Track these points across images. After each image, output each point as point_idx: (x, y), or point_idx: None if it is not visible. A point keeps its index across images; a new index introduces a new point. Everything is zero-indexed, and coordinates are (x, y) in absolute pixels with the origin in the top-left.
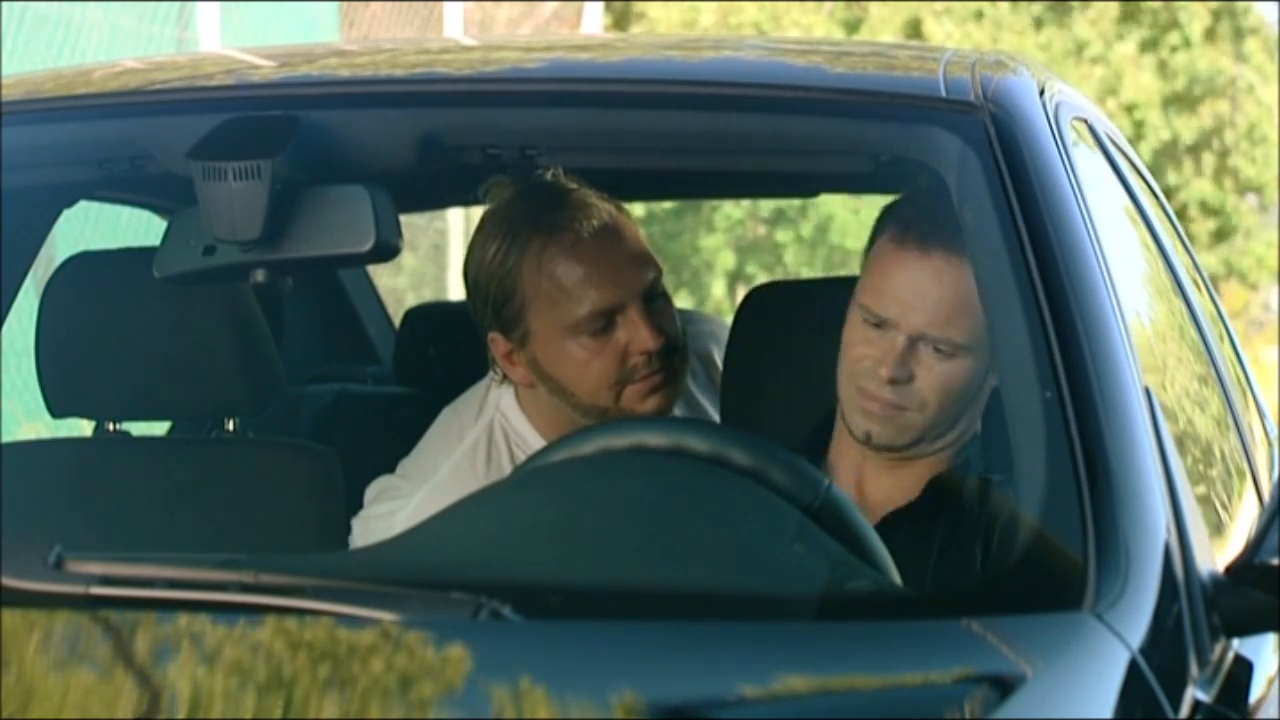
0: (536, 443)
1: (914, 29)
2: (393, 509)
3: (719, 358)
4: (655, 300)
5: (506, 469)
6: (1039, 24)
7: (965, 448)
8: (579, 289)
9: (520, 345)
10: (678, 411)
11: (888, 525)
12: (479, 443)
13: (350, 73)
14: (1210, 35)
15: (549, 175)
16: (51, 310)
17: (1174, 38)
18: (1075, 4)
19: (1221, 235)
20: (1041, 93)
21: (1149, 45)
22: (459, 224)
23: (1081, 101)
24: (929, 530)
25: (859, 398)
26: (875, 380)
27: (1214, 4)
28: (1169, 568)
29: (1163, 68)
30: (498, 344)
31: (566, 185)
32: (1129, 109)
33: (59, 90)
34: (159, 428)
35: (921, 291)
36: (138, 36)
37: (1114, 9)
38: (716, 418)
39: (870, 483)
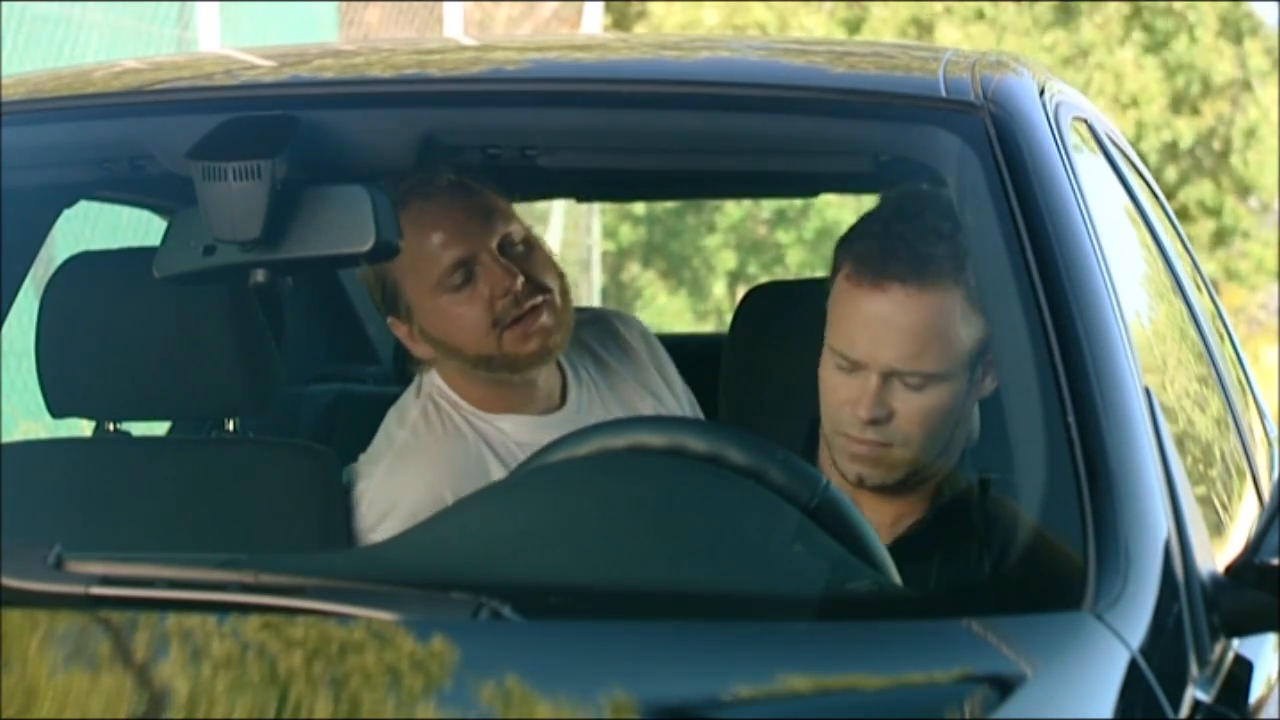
0: (473, 412)
1: (922, 30)
2: (361, 490)
3: (647, 342)
4: (515, 251)
5: (463, 429)
6: (1044, 27)
7: (960, 468)
8: (433, 249)
9: (409, 321)
10: (619, 405)
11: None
12: (427, 410)
13: (350, 73)
14: (1218, 36)
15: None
16: (51, 310)
17: (1181, 40)
18: (1081, 5)
19: (1221, 236)
20: (1041, 93)
21: (1154, 47)
22: None
23: (1082, 102)
24: (933, 548)
25: (845, 443)
26: (856, 424)
27: (1221, 4)
28: (1169, 568)
29: (1166, 68)
30: (398, 328)
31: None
32: (1133, 104)
33: (59, 90)
34: (159, 428)
35: (884, 328)
36: (138, 36)
37: (1119, 13)
38: (675, 396)
39: (867, 512)
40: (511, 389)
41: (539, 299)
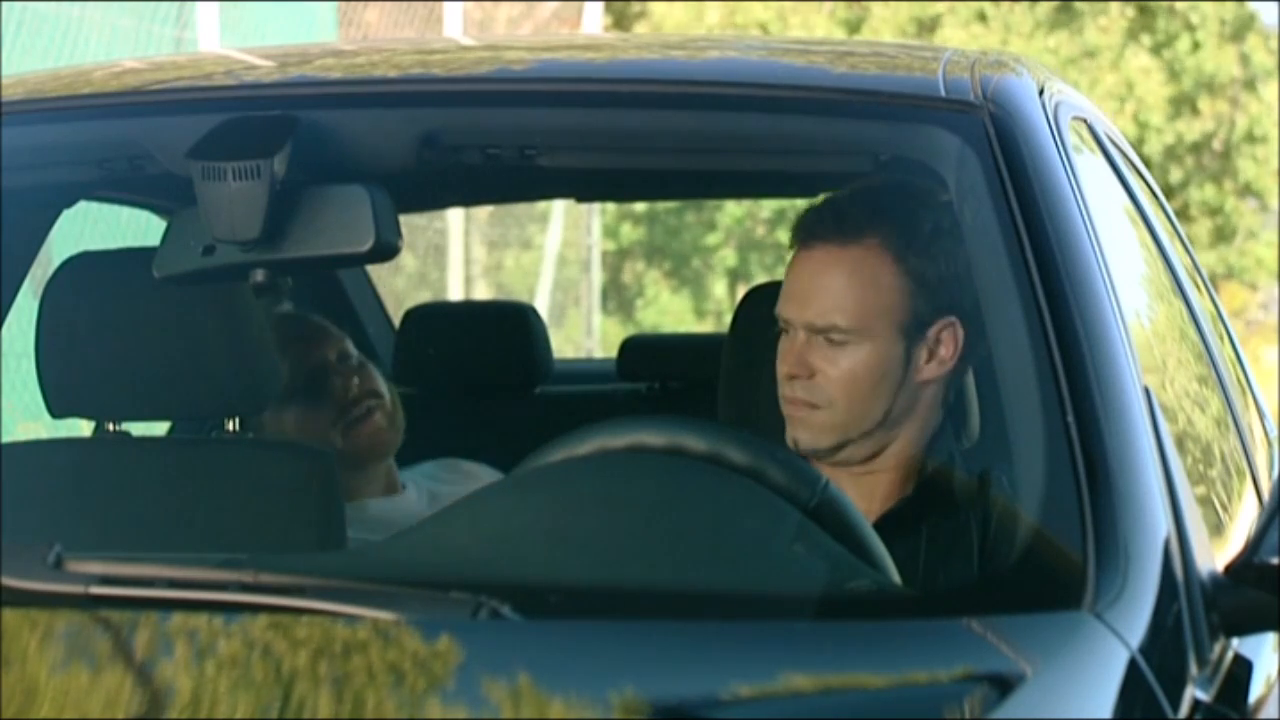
0: None
1: (922, 29)
2: None
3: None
4: (350, 364)
5: None
6: (1048, 28)
7: (935, 452)
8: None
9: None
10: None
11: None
12: None
13: (350, 73)
14: (1220, 36)
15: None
16: (51, 310)
17: (1184, 41)
18: (1083, 6)
19: (1222, 235)
20: (1041, 93)
21: (1157, 48)
22: (459, 224)
23: (1081, 101)
24: (908, 539)
25: (783, 407)
26: (786, 384)
27: (1223, 4)
28: (1169, 567)
29: (1170, 69)
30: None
31: None
32: (1135, 115)
33: (59, 90)
34: (159, 428)
35: (807, 285)
36: (137, 36)
37: (1123, 14)
38: None
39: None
40: (354, 481)
41: (373, 401)
